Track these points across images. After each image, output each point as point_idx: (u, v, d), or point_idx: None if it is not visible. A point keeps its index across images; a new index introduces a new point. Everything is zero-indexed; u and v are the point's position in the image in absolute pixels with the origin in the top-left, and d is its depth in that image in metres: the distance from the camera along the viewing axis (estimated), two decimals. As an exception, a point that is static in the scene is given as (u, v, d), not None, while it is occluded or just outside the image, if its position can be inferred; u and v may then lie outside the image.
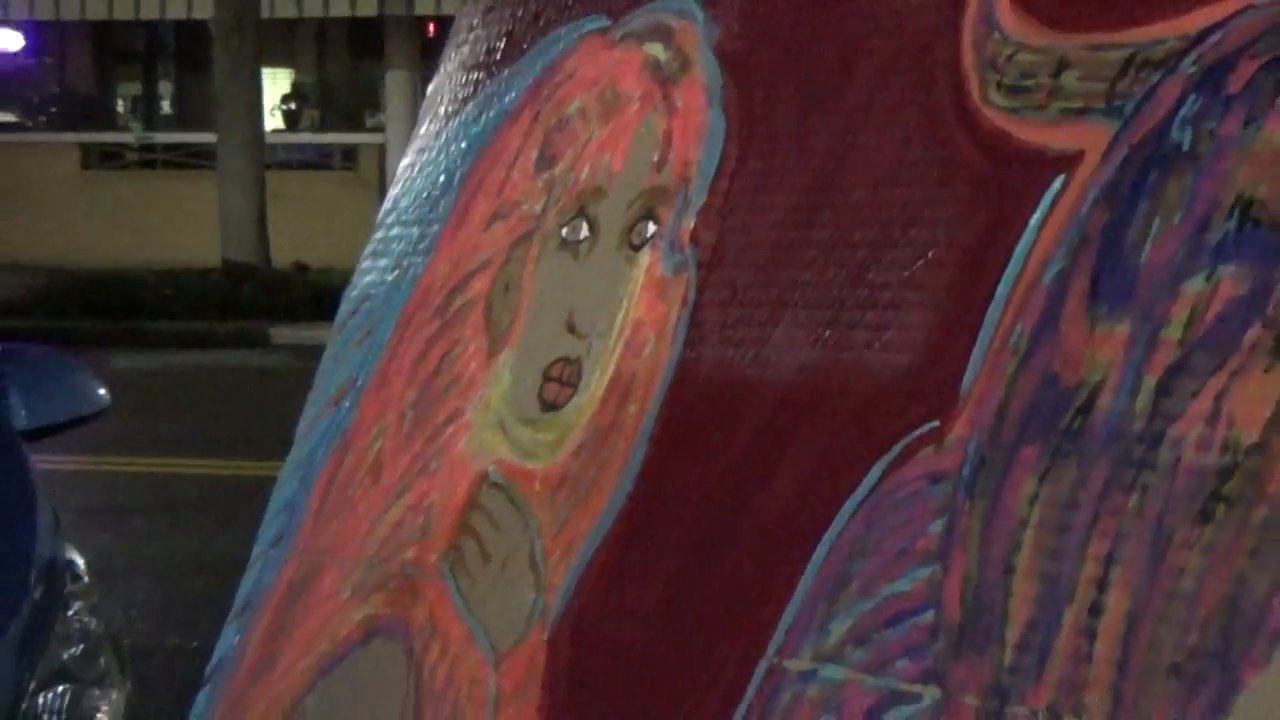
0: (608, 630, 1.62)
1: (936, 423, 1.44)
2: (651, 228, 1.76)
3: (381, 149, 25.29)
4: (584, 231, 1.82)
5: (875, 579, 1.43)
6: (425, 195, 2.17)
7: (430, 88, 2.33)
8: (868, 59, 1.64)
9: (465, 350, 1.95)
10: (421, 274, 2.09)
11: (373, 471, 2.01)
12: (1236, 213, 1.31)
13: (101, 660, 4.74)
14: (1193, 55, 1.38)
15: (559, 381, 1.79)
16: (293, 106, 28.40)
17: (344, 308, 2.25)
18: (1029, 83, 1.50)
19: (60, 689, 4.55)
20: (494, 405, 1.86)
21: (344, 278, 2.30)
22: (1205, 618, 1.23)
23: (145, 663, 5.42)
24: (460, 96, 2.19)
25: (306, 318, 17.12)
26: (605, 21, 1.95)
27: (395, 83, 25.71)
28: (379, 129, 26.28)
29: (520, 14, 2.08)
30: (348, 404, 2.12)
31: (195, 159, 26.20)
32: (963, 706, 1.33)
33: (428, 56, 22.45)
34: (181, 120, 28.86)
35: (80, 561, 5.02)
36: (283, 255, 20.49)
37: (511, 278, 1.91)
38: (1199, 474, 1.26)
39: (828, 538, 1.47)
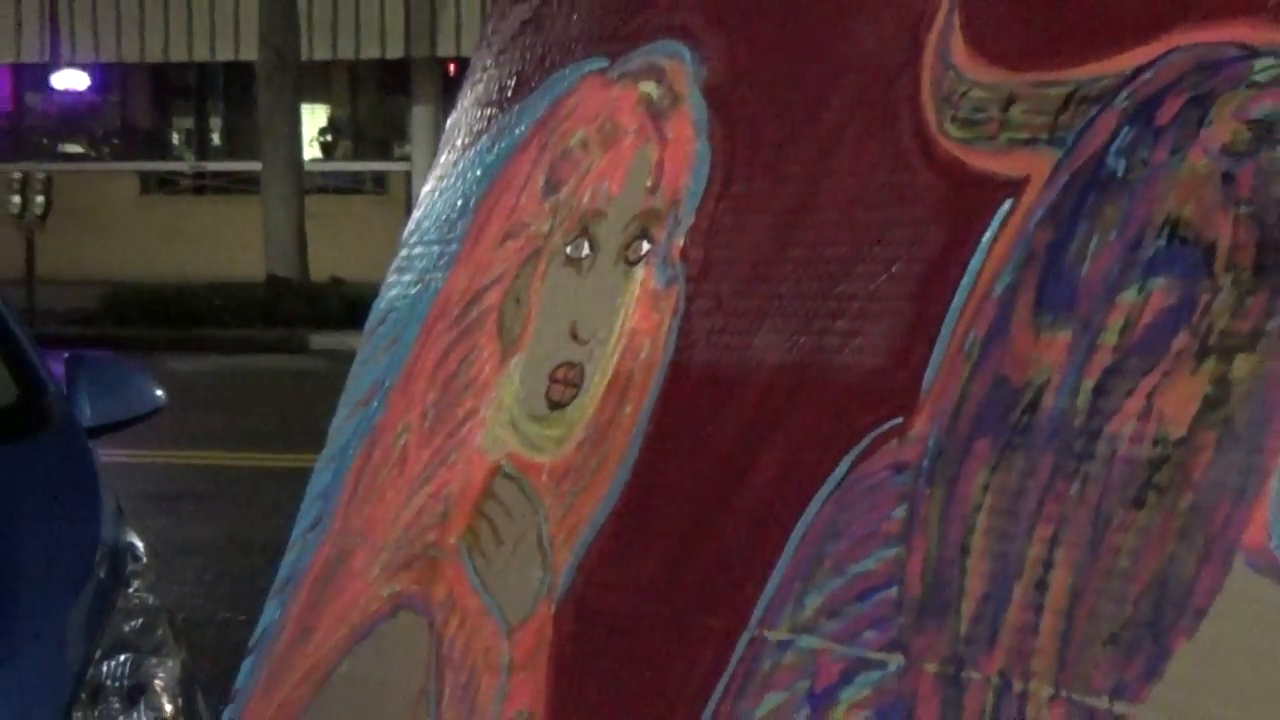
0: (607, 605, 1.62)
1: (900, 419, 1.44)
2: (646, 245, 1.76)
3: (408, 175, 25.30)
4: (586, 249, 1.81)
5: (845, 559, 1.43)
6: (445, 217, 2.17)
7: (449, 121, 2.33)
8: (837, 95, 1.64)
9: (480, 355, 1.95)
10: (441, 287, 2.09)
11: (398, 463, 2.01)
12: (1165, 232, 1.31)
13: (159, 631, 4.75)
14: (1126, 91, 1.38)
15: (564, 383, 1.79)
16: (329, 138, 28.39)
17: (373, 317, 2.25)
18: (980, 115, 1.49)
19: (122, 657, 4.55)
20: (506, 404, 1.86)
21: (375, 290, 2.31)
22: (1139, 593, 1.23)
23: (197, 634, 5.42)
24: (475, 129, 2.19)
25: (341, 326, 17.09)
26: (604, 62, 1.95)
27: (420, 116, 25.73)
28: (406, 158, 26.30)
29: (529, 56, 2.08)
30: (376, 403, 2.12)
31: (242, 185, 26.18)
32: (923, 673, 1.33)
33: (449, 93, 22.45)
34: (230, 150, 28.84)
35: (140, 544, 5.02)
36: (320, 270, 20.49)
37: (521, 291, 1.90)
38: (1133, 464, 1.26)
39: (803, 522, 1.47)
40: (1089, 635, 1.25)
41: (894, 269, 1.51)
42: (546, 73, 2.04)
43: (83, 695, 4.37)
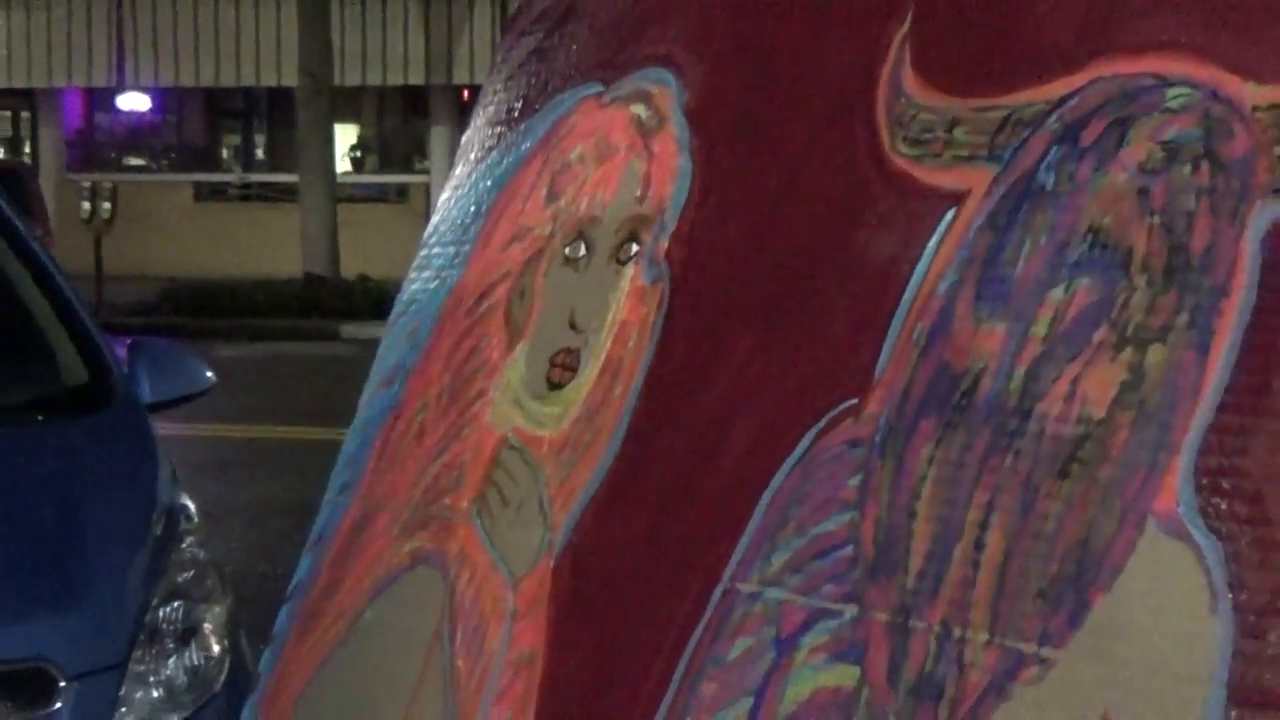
0: (599, 560, 1.62)
1: (855, 400, 1.43)
2: (635, 247, 1.75)
3: (427, 186, 25.29)
4: (582, 250, 1.81)
5: (807, 521, 1.42)
6: (459, 222, 2.16)
7: (463, 139, 2.31)
8: (803, 117, 1.63)
9: (489, 343, 1.94)
10: (456, 283, 2.08)
11: (417, 436, 2.00)
12: (1088, 238, 1.30)
13: (208, 582, 4.74)
14: (1055, 115, 1.38)
15: (562, 367, 1.78)
16: (358, 154, 28.38)
17: (395, 309, 2.24)
18: (928, 136, 1.49)
19: (176, 604, 4.54)
20: (512, 385, 1.85)
21: (398, 286, 2.30)
22: (1063, 553, 1.23)
23: (241, 584, 5.41)
24: (487, 145, 2.18)
25: (369, 317, 17.07)
26: (600, 87, 1.94)
27: (437, 135, 25.73)
28: (425, 171, 26.28)
29: (533, 82, 2.08)
30: (398, 384, 2.12)
31: (283, 194, 26.13)
32: (875, 621, 1.33)
33: (463, 115, 22.41)
34: (272, 164, 28.81)
35: (191, 505, 5.00)
36: (350, 268, 20.46)
37: (526, 286, 1.90)
38: (1059, 441, 1.26)
39: (771, 489, 1.47)
40: (1020, 589, 1.24)
41: (851, 269, 1.51)
42: (549, 96, 2.03)
43: (142, 636, 4.37)
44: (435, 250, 2.21)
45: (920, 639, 1.28)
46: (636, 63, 1.89)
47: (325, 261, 20.54)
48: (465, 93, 24.97)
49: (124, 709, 4.21)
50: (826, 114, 1.60)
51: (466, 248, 2.11)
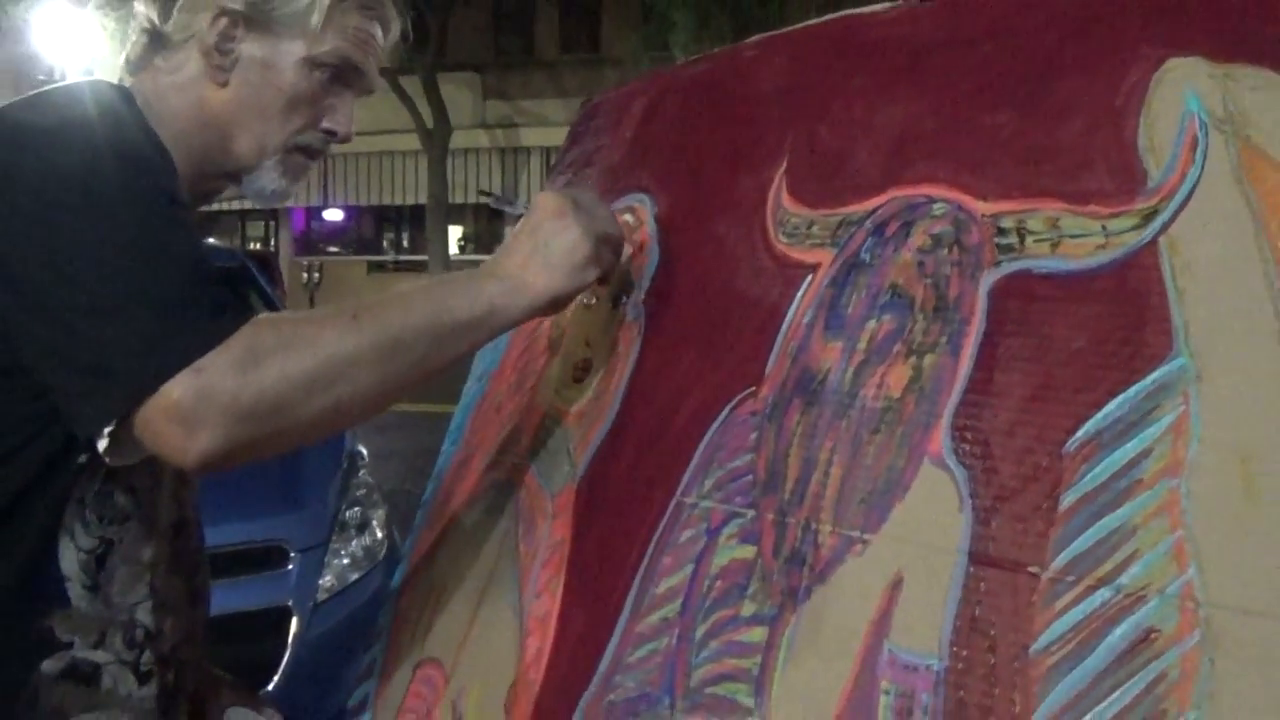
0: (603, 484, 1.62)
1: (754, 388, 1.44)
2: (625, 298, 1.76)
3: (506, 262, 25.19)
4: (593, 299, 1.81)
5: (725, 459, 1.43)
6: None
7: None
8: (725, 219, 1.64)
9: (539, 354, 1.94)
10: (519, 320, 2.08)
11: (496, 410, 2.00)
12: (889, 292, 1.31)
13: (375, 496, 4.71)
14: (870, 219, 1.39)
15: (582, 369, 1.79)
16: (463, 243, 28.36)
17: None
18: (797, 231, 1.50)
19: (355, 509, 4.52)
20: (551, 380, 1.86)
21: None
22: (875, 477, 1.23)
23: (393, 498, 5.41)
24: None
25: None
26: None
27: (509, 231, 25.70)
28: (504, 253, 26.19)
29: (564, 200, 2.08)
30: (485, 379, 2.12)
31: (418, 268, 26.13)
32: (765, 519, 1.33)
33: (527, 220, 22.35)
34: (413, 248, 28.81)
35: (364, 450, 4.96)
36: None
37: (560, 321, 1.90)
38: (874, 412, 1.27)
39: (704, 440, 1.47)
40: (851, 499, 1.25)
41: (753, 310, 1.51)
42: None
43: (336, 528, 4.35)
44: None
45: (792, 530, 1.29)
46: (626, 189, 1.90)
47: (445, 307, 20.45)
48: (528, 206, 24.92)
49: (326, 569, 4.21)
50: (738, 218, 1.61)
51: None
